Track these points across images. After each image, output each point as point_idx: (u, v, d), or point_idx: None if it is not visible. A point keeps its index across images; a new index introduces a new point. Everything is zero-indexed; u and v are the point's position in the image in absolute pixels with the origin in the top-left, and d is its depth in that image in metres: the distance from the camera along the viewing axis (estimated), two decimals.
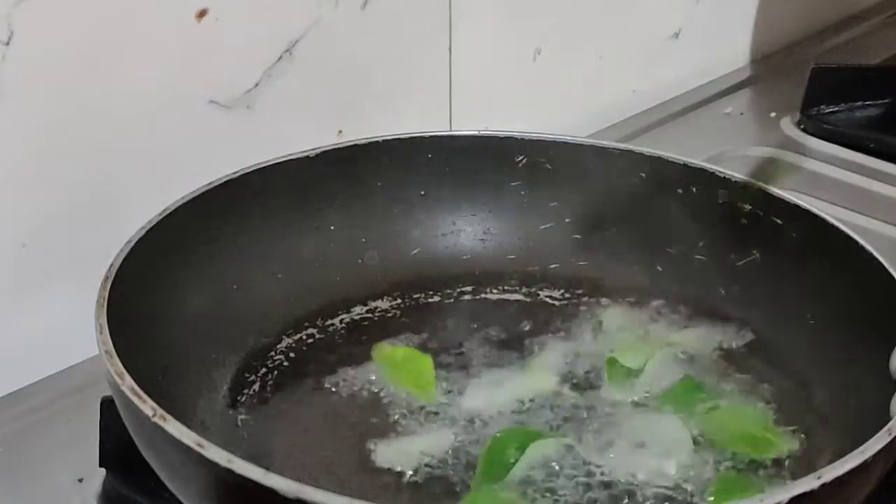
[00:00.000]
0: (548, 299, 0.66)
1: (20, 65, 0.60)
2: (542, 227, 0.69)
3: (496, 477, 0.52)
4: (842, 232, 0.60)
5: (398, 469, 0.53)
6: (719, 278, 0.65)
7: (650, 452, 0.54)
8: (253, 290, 0.62)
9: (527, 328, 0.63)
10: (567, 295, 0.66)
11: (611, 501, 0.51)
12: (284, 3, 0.70)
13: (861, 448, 0.45)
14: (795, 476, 0.53)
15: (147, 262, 0.56)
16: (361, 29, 0.75)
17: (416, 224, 0.68)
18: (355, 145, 0.66)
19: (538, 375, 0.59)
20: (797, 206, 0.62)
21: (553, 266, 0.68)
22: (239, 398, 0.58)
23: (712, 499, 0.52)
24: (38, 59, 0.60)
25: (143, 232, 0.56)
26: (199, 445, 0.43)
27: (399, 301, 0.65)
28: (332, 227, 0.66)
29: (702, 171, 0.66)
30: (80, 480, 0.57)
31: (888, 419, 0.47)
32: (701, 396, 0.57)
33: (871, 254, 0.57)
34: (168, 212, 0.58)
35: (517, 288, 0.67)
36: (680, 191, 0.66)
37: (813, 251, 0.61)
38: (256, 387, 0.58)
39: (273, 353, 0.61)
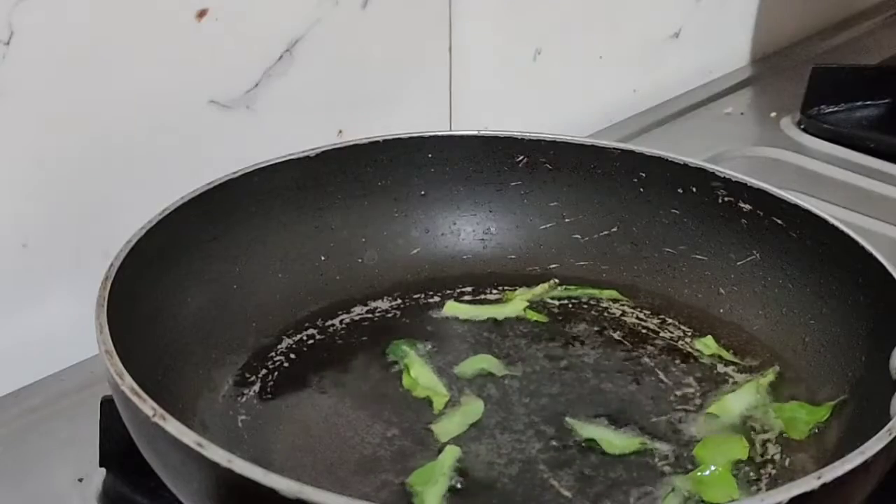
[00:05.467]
0: (549, 299, 0.66)
1: (20, 65, 0.60)
2: (542, 227, 0.69)
3: None
4: (842, 232, 0.60)
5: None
6: (719, 278, 0.65)
7: None
8: (253, 290, 0.62)
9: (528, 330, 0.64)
10: (567, 295, 0.66)
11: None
12: (284, 3, 0.70)
13: (861, 448, 0.45)
14: (795, 476, 0.53)
15: (147, 262, 0.56)
16: (361, 29, 0.75)
17: (416, 224, 0.68)
18: (355, 145, 0.66)
19: None
20: (797, 206, 0.62)
21: (553, 266, 0.68)
22: (239, 398, 0.58)
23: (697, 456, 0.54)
24: (38, 59, 0.60)
25: (143, 232, 0.56)
26: (199, 445, 0.43)
27: (399, 301, 0.65)
28: (332, 227, 0.66)
29: (702, 171, 0.66)
30: (80, 480, 0.57)
31: (888, 419, 0.47)
32: None
33: (871, 254, 0.57)
34: (168, 212, 0.58)
35: (516, 288, 0.67)
36: (680, 191, 0.66)
37: (813, 251, 0.61)
38: (256, 387, 0.58)
39: (273, 354, 0.61)
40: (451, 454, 0.54)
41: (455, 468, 0.53)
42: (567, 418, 0.57)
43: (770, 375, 0.60)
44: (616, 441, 0.55)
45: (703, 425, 0.57)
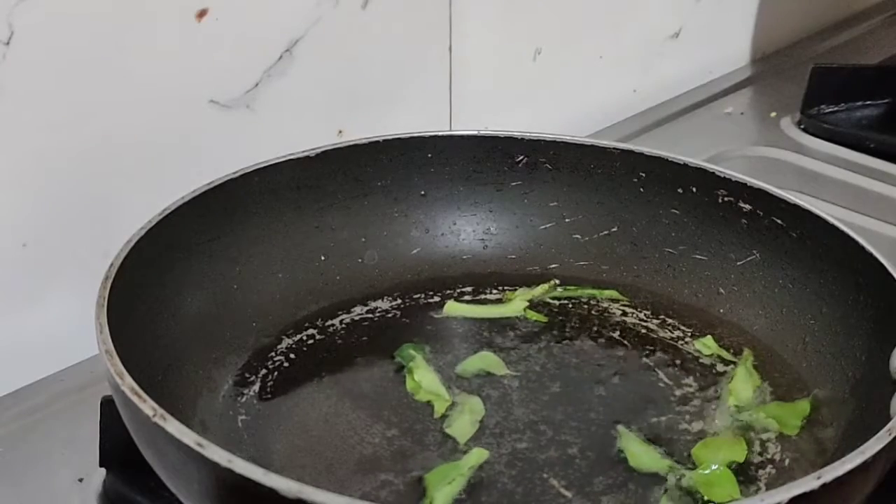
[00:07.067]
0: (549, 299, 0.66)
1: (20, 65, 0.60)
2: (542, 227, 0.69)
3: None
4: (842, 232, 0.60)
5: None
6: (719, 278, 0.65)
7: None
8: (253, 290, 0.62)
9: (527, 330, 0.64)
10: (567, 295, 0.66)
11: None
12: (284, 3, 0.70)
13: (861, 448, 0.45)
14: (795, 476, 0.53)
15: (147, 262, 0.56)
16: (361, 29, 0.75)
17: (416, 224, 0.68)
18: (355, 145, 0.66)
19: None
20: (797, 206, 0.62)
21: (553, 266, 0.68)
22: (239, 398, 0.58)
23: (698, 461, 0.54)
24: (38, 59, 0.60)
25: (143, 232, 0.56)
26: (199, 445, 0.43)
27: (399, 301, 0.65)
28: (332, 227, 0.66)
29: (702, 171, 0.66)
30: (80, 480, 0.57)
31: (888, 419, 0.47)
32: None
33: (871, 254, 0.57)
34: (168, 212, 0.58)
35: (516, 288, 0.67)
36: (680, 191, 0.66)
37: (813, 251, 0.61)
38: (256, 387, 0.58)
39: (273, 354, 0.61)
40: (476, 456, 0.54)
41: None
42: (620, 426, 0.56)
43: (749, 357, 0.61)
44: (644, 458, 0.55)
45: (723, 417, 0.57)
